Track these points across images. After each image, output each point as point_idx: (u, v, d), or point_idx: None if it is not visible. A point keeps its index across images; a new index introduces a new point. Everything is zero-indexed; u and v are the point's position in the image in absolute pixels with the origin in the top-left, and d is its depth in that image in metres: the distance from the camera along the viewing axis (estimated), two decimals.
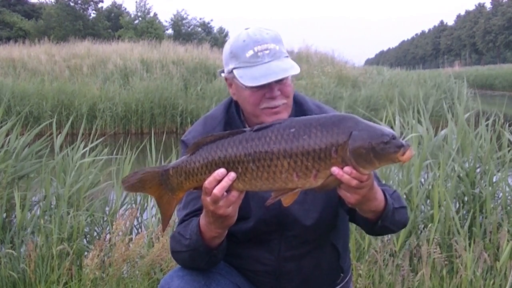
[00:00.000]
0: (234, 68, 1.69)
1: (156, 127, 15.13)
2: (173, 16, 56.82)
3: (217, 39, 52.65)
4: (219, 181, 1.46)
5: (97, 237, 3.48)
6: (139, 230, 3.75)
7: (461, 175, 3.67)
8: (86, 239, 3.57)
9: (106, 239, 3.12)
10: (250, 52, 1.66)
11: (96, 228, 3.70)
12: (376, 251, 3.03)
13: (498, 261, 2.99)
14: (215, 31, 60.36)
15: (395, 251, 3.14)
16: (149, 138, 4.20)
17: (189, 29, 56.72)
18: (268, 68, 1.64)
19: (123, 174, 3.83)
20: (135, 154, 4.05)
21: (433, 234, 3.09)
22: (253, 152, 1.45)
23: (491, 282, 2.91)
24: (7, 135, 4.15)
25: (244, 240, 1.78)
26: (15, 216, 3.54)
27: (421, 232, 3.44)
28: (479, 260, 2.93)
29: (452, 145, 3.95)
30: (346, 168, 1.40)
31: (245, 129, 1.53)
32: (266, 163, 1.44)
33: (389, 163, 1.45)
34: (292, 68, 1.66)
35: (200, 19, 59.78)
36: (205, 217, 1.57)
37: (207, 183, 1.47)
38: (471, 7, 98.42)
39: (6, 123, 4.27)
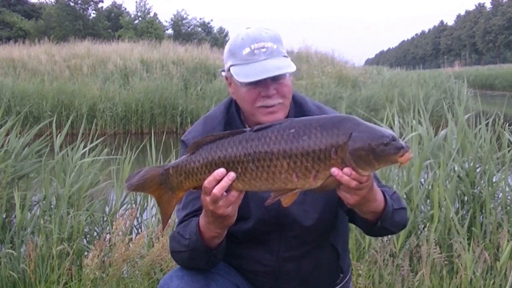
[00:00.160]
0: (231, 66, 1.70)
1: (156, 127, 15.13)
2: (173, 16, 56.91)
3: (217, 39, 52.68)
4: (219, 181, 1.46)
5: (97, 237, 3.48)
6: (139, 230, 3.75)
7: (461, 175, 3.67)
8: (86, 239, 3.57)
9: (106, 239, 3.12)
10: (247, 50, 1.67)
11: (96, 228, 3.70)
12: (376, 251, 3.03)
13: (498, 261, 2.99)
14: (215, 31, 60.40)
15: (395, 251, 3.14)
16: (149, 138, 4.20)
17: (189, 29, 56.75)
18: (262, 65, 1.64)
19: (123, 174, 3.83)
20: (135, 154, 4.05)
21: (433, 234, 3.09)
22: (252, 152, 1.45)
23: (491, 282, 2.91)
24: (6, 135, 4.14)
25: (243, 241, 1.78)
26: (15, 216, 3.53)
27: (421, 232, 3.44)
28: (479, 260, 2.93)
29: (452, 145, 3.95)
30: (346, 169, 1.40)
31: (245, 129, 1.53)
32: (266, 163, 1.44)
33: (388, 165, 1.45)
34: (286, 67, 1.66)
35: (200, 19, 59.90)
36: (205, 217, 1.57)
37: (207, 182, 1.47)
38: (471, 7, 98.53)
39: (6, 122, 4.27)
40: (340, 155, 1.40)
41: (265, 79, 1.65)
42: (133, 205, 3.83)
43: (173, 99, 15.73)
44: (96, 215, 3.67)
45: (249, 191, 1.52)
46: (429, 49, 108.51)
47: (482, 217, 3.52)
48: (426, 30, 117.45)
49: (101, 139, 4.38)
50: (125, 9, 57.46)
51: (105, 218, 3.72)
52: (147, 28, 46.51)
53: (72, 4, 47.88)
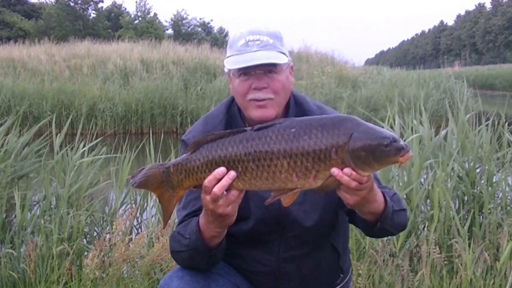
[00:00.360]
0: (226, 57, 1.72)
1: (156, 127, 15.13)
2: (173, 16, 56.85)
3: (217, 39, 52.66)
4: (219, 180, 1.46)
5: (97, 237, 3.48)
6: (139, 230, 3.75)
7: (461, 175, 3.67)
8: (86, 239, 3.57)
9: (106, 239, 3.12)
10: (242, 41, 1.69)
11: (96, 228, 3.70)
12: (376, 251, 3.03)
13: (498, 261, 2.98)
14: (215, 31, 60.36)
15: (395, 251, 3.13)
16: (148, 138, 4.20)
17: (189, 29, 56.72)
18: (252, 56, 1.66)
19: (122, 174, 3.83)
20: (134, 154, 4.05)
21: (433, 234, 3.09)
22: (253, 151, 1.45)
23: (491, 282, 2.91)
24: (6, 135, 4.14)
25: (243, 241, 1.78)
26: (15, 216, 3.53)
27: (421, 232, 3.43)
28: (479, 260, 2.93)
29: (452, 145, 3.95)
30: (346, 170, 1.40)
31: (245, 128, 1.53)
32: (266, 162, 1.44)
33: (388, 166, 1.45)
34: (276, 58, 1.67)
35: (200, 19, 59.83)
36: (205, 216, 1.57)
37: (207, 181, 1.47)
38: (471, 7, 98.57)
39: (6, 121, 4.27)
40: (341, 155, 1.40)
41: (257, 71, 1.66)
42: (133, 205, 3.83)
43: (173, 99, 15.73)
44: (96, 215, 3.67)
45: (249, 191, 1.52)
46: (429, 49, 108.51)
47: (482, 217, 3.52)
48: (426, 30, 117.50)
49: (100, 139, 4.38)
50: (125, 9, 57.48)
51: (105, 218, 3.71)
52: (147, 28, 46.49)
53: (72, 4, 47.88)
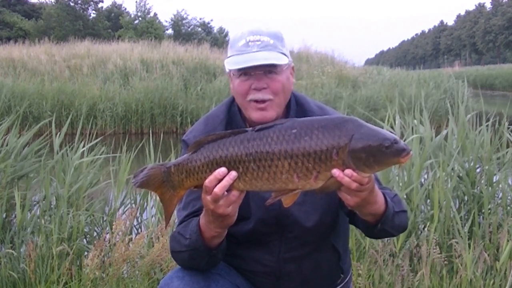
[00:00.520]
0: (227, 57, 1.71)
1: (156, 127, 15.12)
2: (173, 16, 56.84)
3: (217, 39, 52.68)
4: (220, 180, 1.46)
5: (97, 237, 3.48)
6: (139, 230, 3.75)
7: (461, 175, 3.67)
8: (86, 239, 3.57)
9: (106, 239, 3.12)
10: (242, 42, 1.69)
11: (96, 228, 3.70)
12: (376, 251, 3.03)
13: (498, 261, 2.99)
14: (215, 31, 60.36)
15: (395, 251, 3.13)
16: (148, 138, 4.20)
17: (189, 29, 56.72)
18: (252, 56, 1.65)
19: (122, 174, 3.83)
20: (134, 153, 4.05)
21: (433, 234, 3.09)
22: (254, 152, 1.45)
23: (491, 282, 2.91)
24: (6, 135, 4.14)
25: (244, 241, 1.78)
26: (15, 216, 3.53)
27: (421, 232, 3.43)
28: (479, 260, 2.93)
29: (452, 145, 3.95)
30: (347, 171, 1.39)
31: (246, 128, 1.53)
32: (267, 163, 1.44)
33: (389, 167, 1.45)
34: (276, 59, 1.66)
35: (200, 19, 59.83)
36: (205, 216, 1.57)
37: (208, 181, 1.47)
38: (471, 7, 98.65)
39: (6, 121, 4.27)
40: (341, 157, 1.40)
41: (257, 72, 1.66)
42: (133, 205, 3.83)
43: (173, 99, 15.73)
44: (95, 215, 3.67)
45: (250, 191, 1.52)
46: (429, 49, 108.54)
47: (482, 217, 3.52)
48: (426, 30, 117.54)
49: (100, 138, 4.37)
50: (125, 9, 57.48)
51: (104, 218, 3.71)
52: (147, 28, 46.49)
53: (72, 4, 47.88)
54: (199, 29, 58.42)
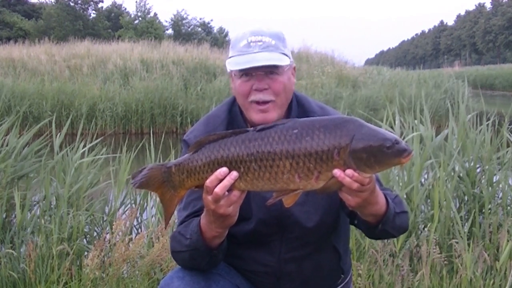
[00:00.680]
0: (228, 58, 1.71)
1: (156, 127, 15.11)
2: (173, 16, 56.86)
3: (217, 39, 52.70)
4: (221, 180, 1.46)
5: (97, 237, 3.48)
6: (139, 230, 3.75)
7: (461, 175, 3.67)
8: (86, 239, 3.57)
9: (106, 239, 3.12)
10: (244, 42, 1.68)
11: (96, 228, 3.70)
12: (376, 251, 3.03)
13: (498, 261, 2.99)
14: (215, 31, 60.38)
15: (395, 251, 3.13)
16: (148, 138, 4.20)
17: (189, 29, 56.73)
18: (254, 57, 1.65)
19: (122, 174, 3.83)
20: (134, 154, 4.05)
21: (433, 234, 3.09)
22: (255, 152, 1.45)
23: (491, 282, 2.91)
24: (6, 135, 4.14)
25: (244, 241, 1.77)
26: (15, 216, 3.53)
27: (421, 232, 3.44)
28: (479, 260, 2.93)
29: (452, 145, 3.95)
30: (348, 171, 1.39)
31: (248, 128, 1.53)
32: (268, 163, 1.44)
33: (390, 167, 1.45)
34: (277, 60, 1.66)
35: (200, 19, 59.85)
36: (206, 216, 1.57)
37: (209, 181, 1.46)
38: (471, 7, 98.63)
39: (6, 121, 4.27)
40: (342, 157, 1.40)
41: (258, 72, 1.66)
42: (133, 205, 3.83)
43: (173, 99, 15.72)
44: (96, 215, 3.67)
45: (251, 191, 1.52)
46: (429, 49, 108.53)
47: (482, 217, 3.52)
48: (426, 30, 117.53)
49: (100, 139, 4.38)
50: (125, 9, 57.50)
51: (105, 218, 3.71)
52: (147, 28, 46.49)
53: (72, 4, 47.89)
54: (199, 29, 58.44)
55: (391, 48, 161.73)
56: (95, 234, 3.64)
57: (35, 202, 3.85)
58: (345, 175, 1.40)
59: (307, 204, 1.72)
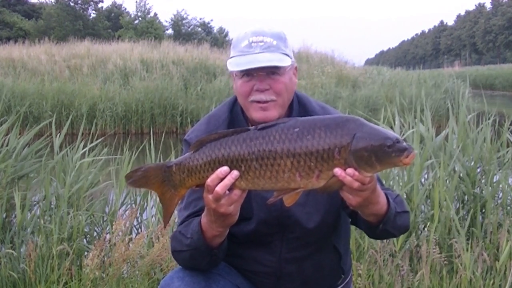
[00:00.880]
0: (229, 58, 1.71)
1: (156, 127, 15.11)
2: (173, 16, 56.92)
3: (217, 39, 52.71)
4: (222, 179, 1.45)
5: (97, 237, 3.48)
6: (139, 230, 3.74)
7: (461, 174, 3.67)
8: (86, 239, 3.57)
9: (106, 239, 3.12)
10: (245, 42, 1.68)
11: (96, 228, 3.70)
12: (375, 251, 3.03)
13: (498, 261, 2.99)
14: (215, 31, 60.43)
15: (394, 251, 3.13)
16: (148, 138, 4.20)
17: (189, 29, 56.76)
18: (255, 57, 1.65)
19: (122, 174, 3.83)
20: (135, 154, 4.05)
21: (433, 234, 3.09)
22: (256, 150, 1.45)
23: (491, 282, 2.91)
24: (6, 135, 4.14)
25: (245, 241, 1.77)
26: (15, 216, 3.53)
27: (421, 232, 3.44)
28: (479, 260, 2.93)
29: (453, 145, 3.95)
30: (349, 170, 1.39)
31: (249, 127, 1.53)
32: (269, 162, 1.44)
33: (391, 167, 1.45)
34: (278, 61, 1.66)
35: (200, 19, 59.91)
36: (207, 215, 1.57)
37: (210, 180, 1.46)
38: (471, 7, 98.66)
39: (6, 121, 4.27)
40: (343, 156, 1.40)
41: (259, 73, 1.66)
42: (133, 205, 3.83)
43: (173, 99, 15.72)
44: (96, 215, 3.67)
45: (251, 191, 1.52)
46: (429, 49, 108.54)
47: (482, 217, 3.52)
48: (426, 30, 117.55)
49: (101, 139, 4.38)
50: (125, 9, 57.54)
51: (105, 218, 3.71)
52: (147, 28, 46.50)
53: (72, 4, 47.90)
54: (199, 29, 58.47)
55: (391, 48, 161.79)
56: (95, 234, 3.64)
57: (35, 202, 3.85)
58: (346, 174, 1.40)
59: (308, 204, 1.72)
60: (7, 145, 3.98)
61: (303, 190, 1.46)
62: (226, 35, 59.53)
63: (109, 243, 3.11)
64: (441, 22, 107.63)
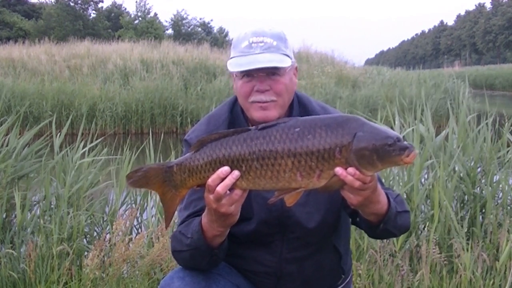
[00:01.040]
0: (230, 58, 1.71)
1: (156, 127, 15.12)
2: (173, 16, 56.93)
3: (217, 39, 52.72)
4: (223, 179, 1.45)
5: (97, 237, 3.48)
6: (139, 230, 3.75)
7: (461, 174, 3.67)
8: (86, 239, 3.57)
9: (106, 239, 3.12)
10: (245, 43, 1.68)
11: (96, 228, 3.70)
12: (375, 251, 3.03)
13: (498, 261, 2.99)
14: (215, 31, 60.43)
15: (394, 251, 3.13)
16: (148, 138, 4.20)
17: (189, 29, 56.76)
18: (255, 58, 1.65)
19: (122, 174, 3.83)
20: (135, 154, 4.05)
21: (433, 234, 3.09)
22: (257, 150, 1.45)
23: (491, 282, 2.91)
24: (6, 135, 4.14)
25: (245, 241, 1.77)
26: (15, 216, 3.54)
27: (421, 232, 3.43)
28: (479, 260, 2.93)
29: (453, 145, 3.94)
30: (350, 169, 1.40)
31: (249, 127, 1.53)
32: (270, 162, 1.44)
33: (392, 166, 1.45)
34: (278, 61, 1.65)
35: (200, 19, 59.93)
36: (208, 215, 1.57)
37: (211, 180, 1.46)
38: (471, 7, 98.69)
39: (6, 121, 4.27)
40: (344, 155, 1.40)
41: (259, 73, 1.66)
42: (133, 205, 3.83)
43: (173, 99, 15.72)
44: (96, 215, 3.67)
45: (252, 191, 1.52)
46: (429, 49, 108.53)
47: (482, 217, 3.52)
48: (426, 30, 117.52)
49: (101, 139, 4.38)
50: (125, 9, 57.52)
51: (105, 218, 3.71)
52: (147, 28, 46.50)
53: (72, 4, 47.89)
54: (199, 29, 58.48)
55: (391, 48, 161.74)
56: (95, 234, 3.64)
57: (35, 202, 3.85)
58: (347, 174, 1.40)
59: (309, 204, 1.72)
60: (7, 145, 3.98)
61: (304, 190, 1.46)
62: (226, 35, 59.53)
63: (109, 243, 3.11)
64: (441, 22, 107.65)
